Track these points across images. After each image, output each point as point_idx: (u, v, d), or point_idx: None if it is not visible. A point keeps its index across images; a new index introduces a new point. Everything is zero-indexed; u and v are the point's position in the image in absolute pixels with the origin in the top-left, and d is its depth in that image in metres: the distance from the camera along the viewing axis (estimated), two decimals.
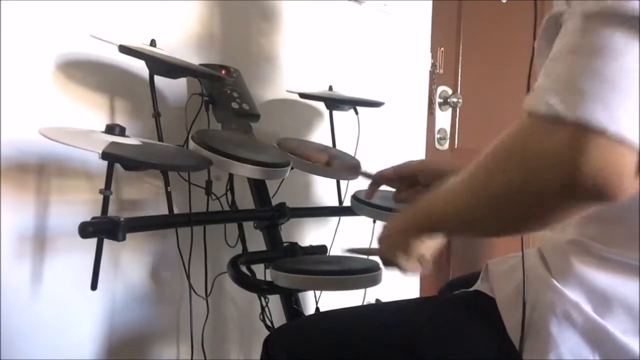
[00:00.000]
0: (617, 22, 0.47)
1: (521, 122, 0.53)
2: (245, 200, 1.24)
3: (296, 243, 1.13)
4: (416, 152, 1.85)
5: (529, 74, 0.65)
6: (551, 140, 0.49)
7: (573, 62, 0.49)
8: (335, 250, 1.27)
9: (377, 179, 0.97)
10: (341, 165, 0.88)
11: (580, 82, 0.48)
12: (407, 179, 0.93)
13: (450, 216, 0.65)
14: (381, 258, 0.81)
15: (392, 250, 0.76)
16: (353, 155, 1.37)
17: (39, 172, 1.06)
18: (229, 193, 1.22)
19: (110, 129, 0.89)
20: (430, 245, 0.75)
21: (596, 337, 0.63)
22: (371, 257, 0.95)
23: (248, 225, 1.21)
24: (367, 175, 0.99)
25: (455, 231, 0.75)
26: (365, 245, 1.00)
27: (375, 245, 0.89)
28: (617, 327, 0.63)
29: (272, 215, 1.13)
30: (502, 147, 0.56)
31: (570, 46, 0.50)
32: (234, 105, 1.19)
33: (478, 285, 0.78)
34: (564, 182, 0.49)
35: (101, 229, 0.85)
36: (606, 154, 0.47)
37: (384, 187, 0.98)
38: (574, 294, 0.65)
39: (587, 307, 0.64)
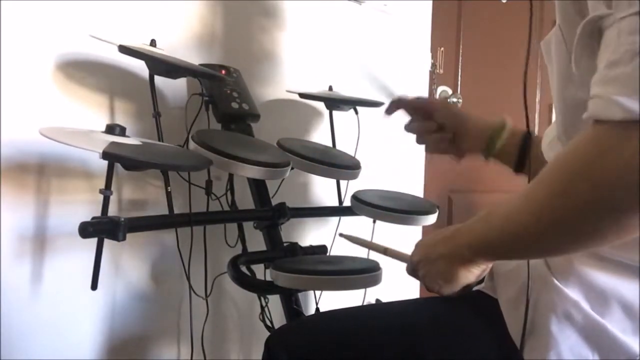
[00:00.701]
0: None
1: (586, 134, 0.51)
2: (245, 200, 1.24)
3: (296, 243, 1.13)
4: (416, 152, 1.85)
5: (525, 73, 0.65)
6: (631, 144, 0.46)
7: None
8: (335, 251, 1.27)
9: (397, 102, 0.98)
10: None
11: None
12: (426, 111, 0.95)
13: (509, 243, 0.62)
14: (413, 276, 0.78)
15: (436, 280, 0.72)
16: (353, 155, 1.37)
17: (39, 172, 1.06)
18: (229, 193, 1.22)
19: (110, 129, 0.89)
20: (476, 273, 0.71)
21: (596, 336, 0.63)
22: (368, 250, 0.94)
23: (248, 225, 1.20)
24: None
25: (511, 257, 0.72)
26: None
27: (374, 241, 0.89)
28: (616, 326, 0.63)
29: (272, 215, 1.13)
30: (571, 162, 0.52)
31: (632, 48, 0.48)
32: (234, 105, 1.19)
33: (481, 285, 0.78)
34: None
35: (101, 229, 0.85)
36: None
37: (385, 187, 0.98)
38: (573, 293, 0.65)
39: (586, 306, 0.64)
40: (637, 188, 0.46)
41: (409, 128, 0.97)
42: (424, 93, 1.88)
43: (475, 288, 0.79)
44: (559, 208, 0.53)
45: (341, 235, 0.94)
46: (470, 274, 0.71)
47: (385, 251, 0.87)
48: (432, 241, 0.74)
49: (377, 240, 1.22)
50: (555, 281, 0.66)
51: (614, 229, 0.51)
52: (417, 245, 0.77)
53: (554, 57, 0.66)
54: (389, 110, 0.99)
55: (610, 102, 0.48)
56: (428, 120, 0.95)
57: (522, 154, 0.89)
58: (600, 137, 0.49)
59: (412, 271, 0.78)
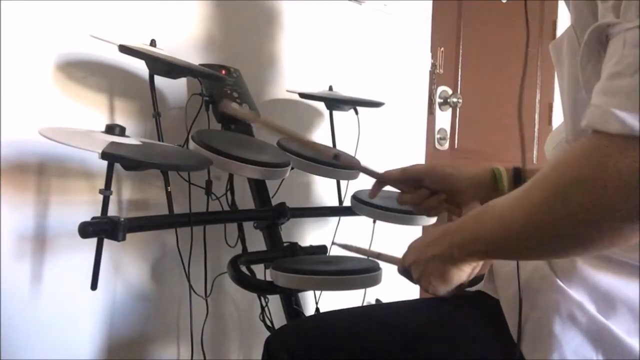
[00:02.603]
0: None
1: (585, 142, 0.51)
2: (245, 200, 1.24)
3: (296, 243, 1.13)
4: (416, 152, 1.85)
5: (522, 78, 0.64)
6: (629, 158, 0.47)
7: None
8: (335, 251, 1.27)
9: (383, 179, 0.95)
10: (346, 161, 0.87)
11: None
12: (414, 182, 0.91)
13: (500, 242, 0.62)
14: (407, 278, 0.78)
15: (429, 280, 0.73)
16: (353, 155, 1.37)
17: (39, 172, 1.06)
18: (229, 193, 1.22)
19: (110, 129, 0.89)
20: (467, 272, 0.72)
21: (600, 338, 0.63)
22: (371, 257, 0.95)
23: (248, 225, 1.20)
24: (367, 171, 0.98)
25: (501, 256, 0.72)
26: (364, 245, 1.00)
27: (374, 248, 0.89)
28: (621, 328, 0.63)
29: (272, 215, 1.13)
30: (568, 168, 0.53)
31: (635, 62, 0.48)
32: (234, 105, 1.19)
33: (481, 286, 0.78)
34: None
35: (101, 229, 0.85)
36: None
37: (385, 187, 0.98)
38: (578, 294, 0.65)
39: (591, 307, 0.64)
40: (631, 200, 0.47)
41: (402, 201, 0.94)
42: (424, 93, 1.88)
43: (475, 288, 0.79)
44: (552, 212, 0.53)
45: (334, 244, 0.94)
46: (462, 273, 0.72)
47: (379, 256, 0.89)
48: (424, 242, 0.75)
49: (377, 240, 1.23)
50: (559, 282, 0.66)
51: (604, 237, 0.52)
52: (410, 248, 0.78)
53: (565, 59, 0.65)
54: (373, 194, 0.96)
55: (610, 114, 0.48)
56: (419, 189, 0.91)
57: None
58: (598, 147, 0.50)
59: (404, 272, 0.78)
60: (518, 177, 0.88)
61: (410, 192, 0.92)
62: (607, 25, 0.53)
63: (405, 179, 0.93)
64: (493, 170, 0.88)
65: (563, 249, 0.57)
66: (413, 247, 0.77)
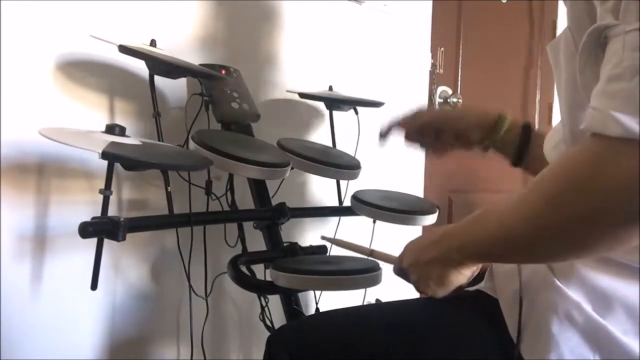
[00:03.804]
0: None
1: (584, 146, 0.51)
2: (245, 200, 1.24)
3: (296, 243, 1.13)
4: (416, 152, 1.85)
5: (525, 79, 0.64)
6: (629, 162, 0.47)
7: None
8: (335, 251, 1.27)
9: (391, 123, 0.97)
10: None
11: None
12: (426, 128, 0.94)
13: (499, 245, 0.62)
14: (404, 278, 0.78)
15: (426, 281, 0.73)
16: (353, 155, 1.37)
17: (39, 172, 1.06)
18: (229, 193, 1.22)
19: (110, 129, 0.89)
20: (467, 275, 0.72)
21: (597, 338, 0.63)
22: (366, 256, 0.95)
23: (248, 225, 1.20)
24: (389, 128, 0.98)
25: (499, 260, 0.72)
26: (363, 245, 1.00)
27: (374, 248, 0.89)
28: (618, 328, 0.63)
29: (272, 215, 1.13)
30: (567, 172, 0.53)
31: (635, 64, 0.48)
32: (234, 105, 1.19)
33: (481, 285, 0.78)
34: None
35: (101, 229, 0.85)
36: None
37: (385, 187, 0.98)
38: (575, 295, 0.65)
39: (588, 307, 0.64)
40: (630, 204, 0.47)
41: (409, 141, 0.96)
42: (424, 93, 1.88)
43: (475, 287, 0.79)
44: (551, 216, 0.53)
45: (323, 238, 0.94)
46: (462, 276, 0.71)
47: (372, 253, 0.88)
48: (422, 244, 0.74)
49: (377, 240, 1.23)
50: (557, 281, 0.66)
51: (603, 241, 0.52)
52: (407, 249, 0.77)
53: (562, 61, 0.65)
54: (385, 134, 0.98)
55: (609, 117, 0.48)
56: (426, 129, 0.94)
57: (522, 146, 0.89)
58: (598, 150, 0.50)
59: (400, 272, 0.78)
60: (527, 131, 0.89)
61: (417, 133, 0.95)
62: (606, 27, 0.53)
63: (419, 124, 0.95)
64: (499, 115, 0.90)
65: (562, 252, 0.57)
66: (410, 248, 0.77)
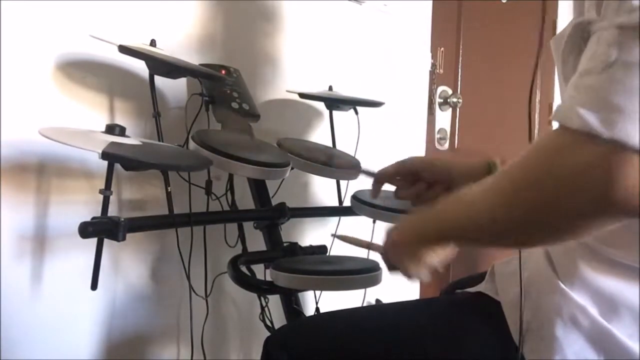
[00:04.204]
0: None
1: (551, 133, 0.52)
2: (245, 200, 1.24)
3: (296, 243, 1.13)
4: (416, 152, 1.85)
5: (533, 78, 0.65)
6: (584, 155, 0.48)
7: (609, 77, 0.48)
8: (335, 250, 1.27)
9: (379, 177, 0.94)
10: (342, 163, 0.87)
11: (616, 99, 0.47)
12: (409, 176, 0.91)
13: (470, 228, 0.63)
14: (387, 264, 0.78)
15: (402, 260, 0.74)
16: (353, 155, 1.37)
17: (39, 172, 1.06)
18: (229, 193, 1.22)
19: (110, 129, 0.89)
20: (441, 255, 0.72)
21: (602, 341, 0.63)
22: (367, 250, 0.94)
23: (248, 225, 1.20)
24: (368, 173, 0.98)
25: (473, 243, 0.74)
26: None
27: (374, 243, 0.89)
28: (624, 332, 0.62)
29: (272, 215, 1.13)
30: (531, 159, 0.54)
31: (605, 60, 0.49)
32: (234, 105, 1.19)
33: (482, 287, 0.78)
34: (597, 198, 0.48)
35: (101, 229, 0.85)
36: None
37: (385, 187, 0.98)
38: (580, 298, 0.64)
39: (594, 311, 0.64)
40: (581, 195, 0.49)
41: (400, 196, 0.93)
42: (424, 93, 1.88)
43: (476, 289, 0.79)
44: (519, 201, 0.55)
45: (333, 235, 0.93)
46: (435, 255, 0.72)
47: (370, 246, 0.88)
48: (402, 226, 0.75)
49: (377, 240, 1.23)
50: (561, 284, 0.66)
51: (559, 229, 0.54)
52: (387, 233, 0.77)
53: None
54: (374, 194, 0.94)
55: (572, 110, 0.50)
56: (416, 183, 0.90)
57: None
58: (560, 141, 0.51)
59: (384, 259, 0.78)
60: None
61: (407, 187, 0.92)
62: (589, 22, 0.54)
63: (401, 173, 0.92)
64: (489, 163, 0.89)
65: (531, 237, 0.58)
66: (391, 230, 0.77)
